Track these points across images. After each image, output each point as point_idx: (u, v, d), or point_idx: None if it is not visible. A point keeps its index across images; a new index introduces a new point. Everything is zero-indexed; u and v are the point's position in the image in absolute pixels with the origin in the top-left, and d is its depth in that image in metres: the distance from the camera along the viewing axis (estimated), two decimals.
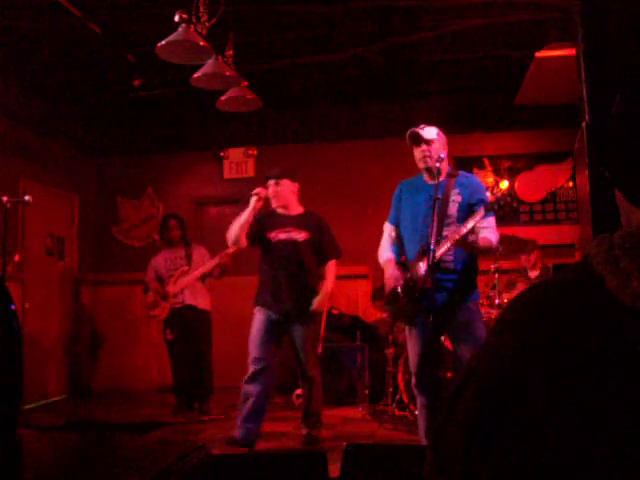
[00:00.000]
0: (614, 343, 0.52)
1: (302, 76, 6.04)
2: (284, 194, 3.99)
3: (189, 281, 5.25)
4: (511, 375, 0.54)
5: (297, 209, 4.09)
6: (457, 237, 2.88)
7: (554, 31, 4.84)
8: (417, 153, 3.15)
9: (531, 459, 0.51)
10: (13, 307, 1.04)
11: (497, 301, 4.88)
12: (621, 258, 0.55)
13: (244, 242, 3.90)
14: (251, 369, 3.96)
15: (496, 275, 5.01)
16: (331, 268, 4.05)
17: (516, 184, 6.56)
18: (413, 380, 3.15)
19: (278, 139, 7.08)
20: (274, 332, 3.99)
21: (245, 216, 3.85)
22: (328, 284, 4.01)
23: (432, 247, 2.85)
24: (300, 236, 3.95)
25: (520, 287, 5.27)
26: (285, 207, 4.02)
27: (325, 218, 4.18)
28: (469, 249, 2.99)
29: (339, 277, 6.96)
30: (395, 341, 5.36)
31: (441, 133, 3.21)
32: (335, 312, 6.39)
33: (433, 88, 6.45)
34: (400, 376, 4.87)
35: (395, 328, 5.46)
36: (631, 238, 0.56)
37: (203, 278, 5.37)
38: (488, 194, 3.27)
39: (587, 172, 2.03)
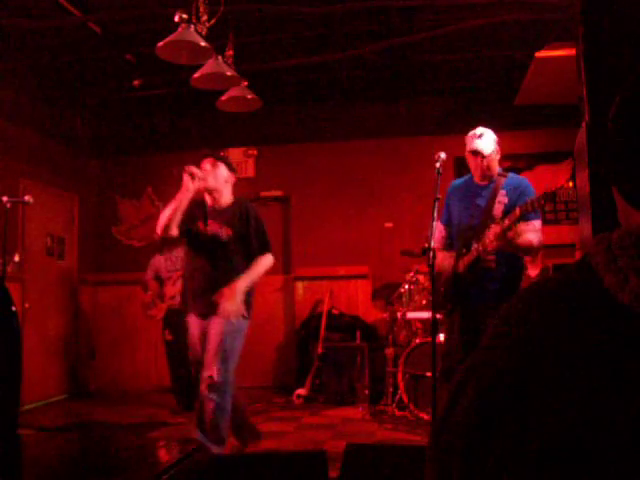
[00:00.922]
0: (613, 342, 0.52)
1: (302, 76, 6.04)
2: (218, 179, 3.57)
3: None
4: (510, 374, 0.54)
5: (227, 200, 3.62)
6: (498, 230, 2.88)
7: (554, 31, 4.84)
8: (474, 163, 3.20)
9: (531, 458, 0.51)
10: (13, 307, 1.04)
11: None
12: (619, 257, 0.55)
13: (175, 230, 3.45)
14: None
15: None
16: (260, 263, 3.52)
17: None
18: (439, 368, 3.16)
19: (278, 139, 7.08)
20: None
21: (179, 200, 3.43)
22: (249, 275, 3.46)
23: (433, 247, 2.86)
24: (223, 233, 3.52)
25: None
26: (215, 195, 3.59)
27: (256, 209, 3.72)
28: (507, 246, 2.97)
29: (339, 277, 7.03)
30: (395, 341, 5.36)
31: (495, 137, 3.25)
32: (335, 312, 6.39)
33: (433, 88, 6.44)
34: (400, 376, 4.87)
35: (395, 328, 5.46)
36: (629, 237, 0.56)
37: None
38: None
39: (587, 172, 2.03)
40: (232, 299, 3.37)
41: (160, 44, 3.49)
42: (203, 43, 3.51)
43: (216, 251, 3.48)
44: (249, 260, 3.50)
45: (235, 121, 6.33)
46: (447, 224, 3.34)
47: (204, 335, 3.46)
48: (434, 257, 2.85)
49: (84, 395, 6.68)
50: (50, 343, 6.37)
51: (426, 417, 4.58)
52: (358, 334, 6.02)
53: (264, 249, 3.55)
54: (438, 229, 3.37)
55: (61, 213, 6.80)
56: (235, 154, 7.23)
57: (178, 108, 6.77)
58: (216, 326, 3.39)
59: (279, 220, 7.25)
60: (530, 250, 3.11)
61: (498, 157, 3.25)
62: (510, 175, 3.26)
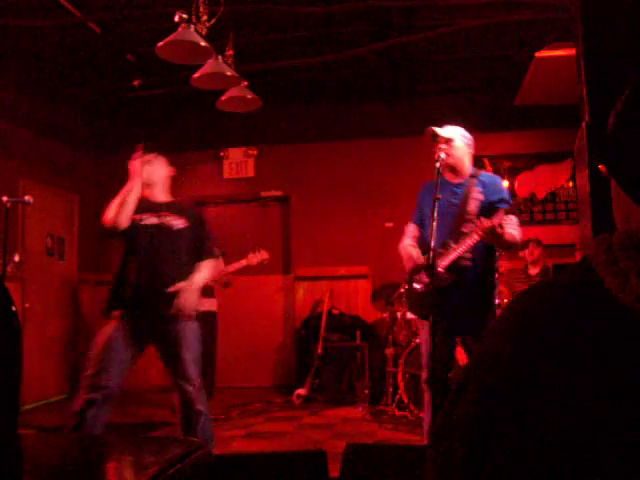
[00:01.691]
0: (614, 343, 0.52)
1: (302, 76, 6.04)
2: (158, 173, 3.37)
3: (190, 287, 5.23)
4: (511, 375, 0.54)
5: (168, 197, 3.41)
6: (487, 225, 2.87)
7: (554, 31, 4.84)
8: (435, 150, 3.17)
9: (531, 458, 0.51)
10: (13, 307, 1.04)
11: (497, 301, 4.88)
12: (620, 258, 0.55)
13: (125, 222, 3.17)
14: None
15: (496, 275, 5.01)
16: (207, 266, 3.31)
17: (516, 184, 6.56)
18: (423, 375, 3.16)
19: (278, 139, 7.08)
20: (132, 340, 3.14)
21: (130, 190, 3.19)
22: (200, 276, 3.24)
23: (432, 247, 2.86)
24: (178, 223, 3.27)
25: (520, 286, 5.28)
26: (154, 191, 3.35)
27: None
28: (496, 241, 2.97)
29: (339, 277, 7.03)
30: (395, 341, 5.36)
31: (466, 134, 3.25)
32: (335, 312, 6.39)
33: (433, 88, 6.45)
34: (400, 376, 4.87)
35: (395, 328, 5.46)
36: (630, 238, 0.56)
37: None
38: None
39: (587, 172, 2.03)
40: (191, 296, 3.14)
41: (160, 44, 3.49)
42: (203, 43, 3.51)
43: (165, 244, 3.21)
44: (195, 261, 3.28)
45: (235, 121, 6.33)
46: (420, 224, 3.33)
47: (127, 339, 3.10)
48: (434, 257, 2.85)
49: None
50: (50, 343, 6.37)
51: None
52: (358, 334, 6.02)
53: (211, 254, 3.37)
54: (411, 229, 3.38)
55: (61, 213, 6.80)
56: (235, 154, 7.23)
57: (178, 108, 6.76)
58: (183, 330, 3.13)
59: (279, 220, 7.25)
60: (514, 245, 3.09)
61: (470, 154, 3.23)
62: (483, 173, 3.27)
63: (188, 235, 3.28)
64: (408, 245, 3.30)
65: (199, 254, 3.30)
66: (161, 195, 3.37)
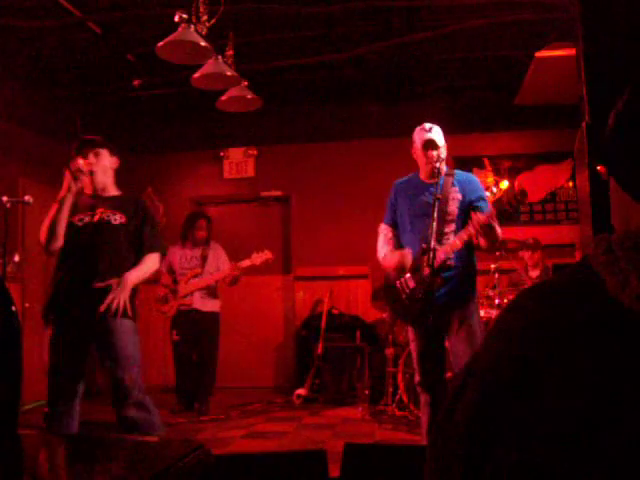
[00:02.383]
0: (614, 344, 0.52)
1: (302, 76, 6.04)
2: (103, 169, 3.17)
3: (199, 285, 5.23)
4: (511, 375, 0.54)
5: (113, 190, 3.23)
6: (483, 219, 2.84)
7: (554, 31, 4.84)
8: (429, 156, 3.14)
9: (531, 459, 0.51)
10: (13, 307, 1.04)
11: (497, 301, 4.89)
12: (620, 259, 0.55)
13: (61, 241, 3.05)
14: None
15: (496, 275, 5.02)
16: (149, 261, 3.13)
17: (516, 184, 6.57)
18: (416, 378, 3.15)
19: (278, 139, 7.09)
20: (77, 348, 3.01)
21: (60, 205, 3.03)
22: (139, 270, 3.08)
23: (432, 247, 2.85)
24: (115, 218, 3.09)
25: (521, 285, 5.28)
26: (101, 187, 3.18)
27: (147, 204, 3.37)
28: (488, 235, 2.93)
29: (339, 277, 7.03)
30: (395, 341, 5.36)
31: (440, 131, 3.23)
32: (335, 312, 6.40)
33: (433, 88, 6.45)
34: (400, 376, 4.87)
35: (395, 328, 5.46)
36: (629, 239, 0.56)
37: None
38: (488, 193, 3.28)
39: (587, 172, 2.03)
40: (122, 292, 2.96)
41: (160, 44, 3.50)
42: (203, 43, 3.52)
43: (103, 241, 3.05)
44: (137, 256, 3.12)
45: (235, 121, 6.33)
46: (392, 224, 3.29)
47: (75, 342, 2.98)
48: (434, 257, 2.85)
49: (85, 395, 6.67)
50: None
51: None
52: (358, 334, 6.02)
53: (154, 248, 3.17)
54: (383, 231, 3.32)
55: None
56: (235, 154, 7.23)
57: (178, 108, 6.77)
58: (115, 328, 2.96)
59: (279, 220, 7.25)
60: (497, 241, 3.03)
61: (446, 154, 3.21)
62: (457, 172, 3.23)
63: (129, 230, 3.11)
64: (388, 253, 3.22)
65: (141, 249, 3.13)
66: (106, 188, 3.19)
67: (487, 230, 2.90)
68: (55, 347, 2.99)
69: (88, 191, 3.18)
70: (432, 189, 3.03)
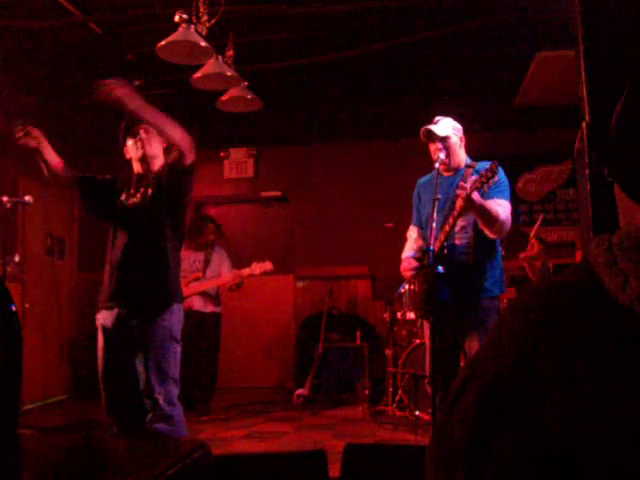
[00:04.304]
0: (614, 343, 0.52)
1: (302, 76, 6.04)
2: (154, 144, 3.14)
3: (199, 289, 5.23)
4: (511, 376, 0.54)
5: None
6: (467, 189, 2.75)
7: (554, 31, 4.84)
8: (431, 149, 3.11)
9: (531, 459, 0.51)
10: (13, 307, 1.04)
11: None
12: (620, 259, 0.55)
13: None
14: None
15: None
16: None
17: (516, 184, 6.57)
18: (427, 373, 3.12)
19: (278, 139, 7.08)
20: (118, 344, 2.90)
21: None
22: None
23: (431, 247, 2.84)
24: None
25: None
26: (150, 162, 3.10)
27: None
28: (476, 208, 2.83)
29: (339, 277, 7.03)
30: (395, 341, 5.36)
31: (456, 124, 3.17)
32: (335, 312, 6.39)
33: (433, 88, 6.45)
34: (400, 376, 4.87)
35: (395, 328, 5.46)
36: (630, 239, 0.56)
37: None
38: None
39: (587, 172, 2.03)
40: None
41: (160, 44, 3.50)
42: (203, 43, 3.52)
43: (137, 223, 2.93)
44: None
45: (235, 121, 6.33)
46: (419, 224, 3.27)
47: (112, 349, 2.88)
48: (433, 257, 2.84)
49: (85, 395, 6.67)
50: (50, 343, 6.37)
51: (426, 417, 4.58)
52: (358, 334, 6.02)
53: None
54: (411, 232, 3.30)
55: (61, 213, 6.80)
56: (235, 154, 7.23)
57: (178, 108, 6.75)
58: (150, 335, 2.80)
59: (279, 220, 7.25)
60: (495, 221, 2.89)
61: (462, 145, 3.15)
62: (480, 163, 3.12)
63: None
64: (407, 259, 3.22)
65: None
66: (156, 166, 3.09)
67: (472, 204, 2.79)
68: (103, 353, 2.94)
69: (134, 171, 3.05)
70: (454, 182, 2.99)
